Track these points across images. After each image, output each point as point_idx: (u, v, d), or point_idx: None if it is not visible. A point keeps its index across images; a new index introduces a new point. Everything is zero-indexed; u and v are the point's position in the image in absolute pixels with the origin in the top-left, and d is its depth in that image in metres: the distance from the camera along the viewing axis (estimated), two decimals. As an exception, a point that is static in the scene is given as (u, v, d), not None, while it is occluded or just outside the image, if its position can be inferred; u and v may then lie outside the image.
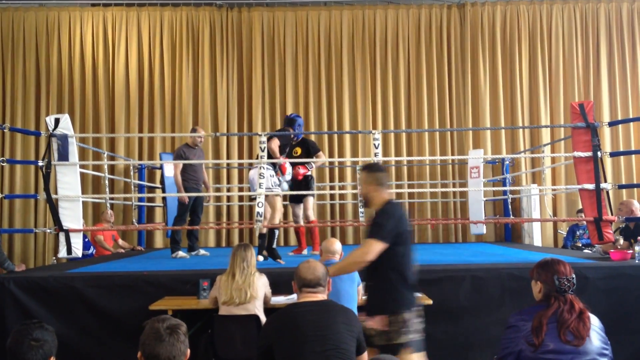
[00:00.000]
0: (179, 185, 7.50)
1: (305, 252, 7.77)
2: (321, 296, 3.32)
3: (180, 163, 7.43)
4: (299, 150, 7.60)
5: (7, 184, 10.44)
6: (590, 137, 6.21)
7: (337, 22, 11.01)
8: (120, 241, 9.39)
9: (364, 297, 4.89)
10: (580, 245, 8.74)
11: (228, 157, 10.64)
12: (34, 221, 10.41)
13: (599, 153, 6.18)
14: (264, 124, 10.73)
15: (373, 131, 6.51)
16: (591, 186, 6.14)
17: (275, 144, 6.85)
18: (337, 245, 4.86)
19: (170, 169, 8.85)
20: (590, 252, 7.67)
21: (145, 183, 10.23)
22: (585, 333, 2.78)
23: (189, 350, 2.50)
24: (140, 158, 10.61)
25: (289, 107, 10.76)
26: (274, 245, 6.86)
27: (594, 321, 2.88)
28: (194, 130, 7.78)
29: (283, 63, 10.94)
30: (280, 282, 5.11)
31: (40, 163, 6.10)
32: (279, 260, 6.61)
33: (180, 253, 7.56)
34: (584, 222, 7.82)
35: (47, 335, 2.70)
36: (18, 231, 10.45)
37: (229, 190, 10.61)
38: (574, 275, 2.99)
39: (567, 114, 10.45)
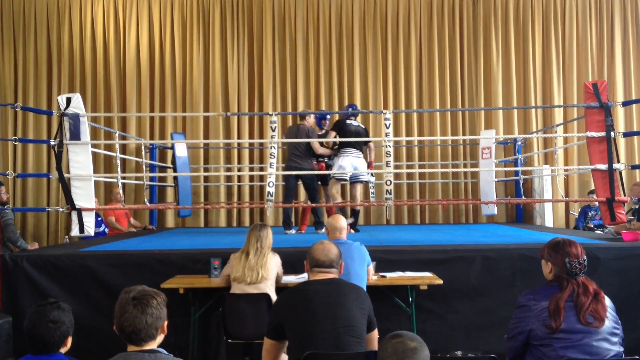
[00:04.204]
0: (329, 153, 7.83)
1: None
2: (332, 276, 3.32)
3: (317, 141, 7.59)
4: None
5: (19, 163, 10.49)
6: (603, 117, 6.12)
7: (349, 2, 10.88)
8: (132, 220, 9.45)
9: (373, 277, 4.93)
10: (592, 226, 8.71)
11: (239, 137, 10.61)
12: (47, 200, 10.47)
13: (612, 133, 6.10)
14: (275, 103, 10.68)
15: (384, 111, 6.49)
16: (604, 166, 6.08)
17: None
18: (342, 221, 4.76)
19: (181, 149, 8.89)
20: (602, 233, 7.64)
21: (157, 163, 10.24)
22: (604, 314, 2.79)
23: (165, 322, 2.42)
24: (152, 138, 10.60)
25: (300, 86, 10.71)
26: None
27: (606, 301, 2.88)
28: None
29: (294, 42, 10.85)
30: (294, 262, 5.16)
31: (53, 142, 6.11)
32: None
33: (292, 231, 8.00)
34: (596, 203, 7.79)
35: (64, 315, 2.68)
36: (31, 210, 10.52)
37: (239, 170, 10.60)
38: (585, 257, 2.97)
39: (580, 94, 10.34)
